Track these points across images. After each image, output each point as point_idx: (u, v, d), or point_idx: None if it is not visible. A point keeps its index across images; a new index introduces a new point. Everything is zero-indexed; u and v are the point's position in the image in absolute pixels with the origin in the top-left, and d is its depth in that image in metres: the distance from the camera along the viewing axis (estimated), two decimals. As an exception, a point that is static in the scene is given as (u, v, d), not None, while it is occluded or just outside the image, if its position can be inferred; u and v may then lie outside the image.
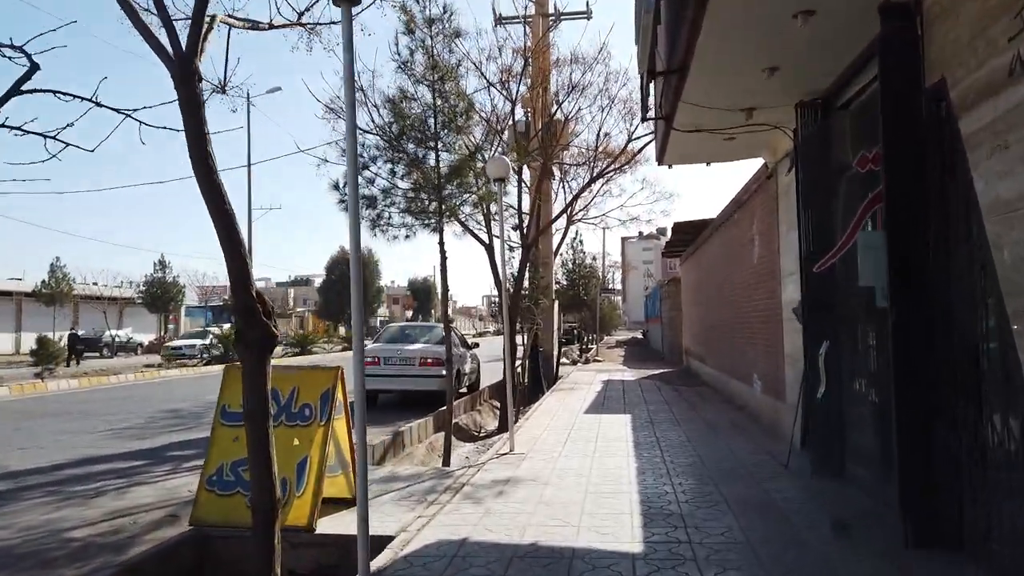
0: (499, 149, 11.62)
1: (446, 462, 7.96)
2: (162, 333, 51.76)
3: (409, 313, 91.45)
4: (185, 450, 9.33)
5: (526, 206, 14.68)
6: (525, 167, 16.91)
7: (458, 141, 8.95)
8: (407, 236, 9.28)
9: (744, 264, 10.78)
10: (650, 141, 13.76)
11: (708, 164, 9.24)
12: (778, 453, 7.54)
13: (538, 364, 17.73)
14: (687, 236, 17.00)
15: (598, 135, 14.30)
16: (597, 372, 20.43)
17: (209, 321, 62.37)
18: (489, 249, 13.55)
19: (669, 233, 18.75)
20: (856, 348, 5.85)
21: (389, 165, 8.81)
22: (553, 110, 14.14)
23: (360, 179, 8.97)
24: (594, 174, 14.69)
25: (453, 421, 12.55)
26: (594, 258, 40.93)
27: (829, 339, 5.97)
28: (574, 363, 27.97)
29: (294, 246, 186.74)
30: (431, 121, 8.66)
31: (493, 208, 12.00)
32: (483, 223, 11.58)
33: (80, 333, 43.89)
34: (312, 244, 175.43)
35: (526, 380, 17.94)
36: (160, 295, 44.96)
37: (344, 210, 8.89)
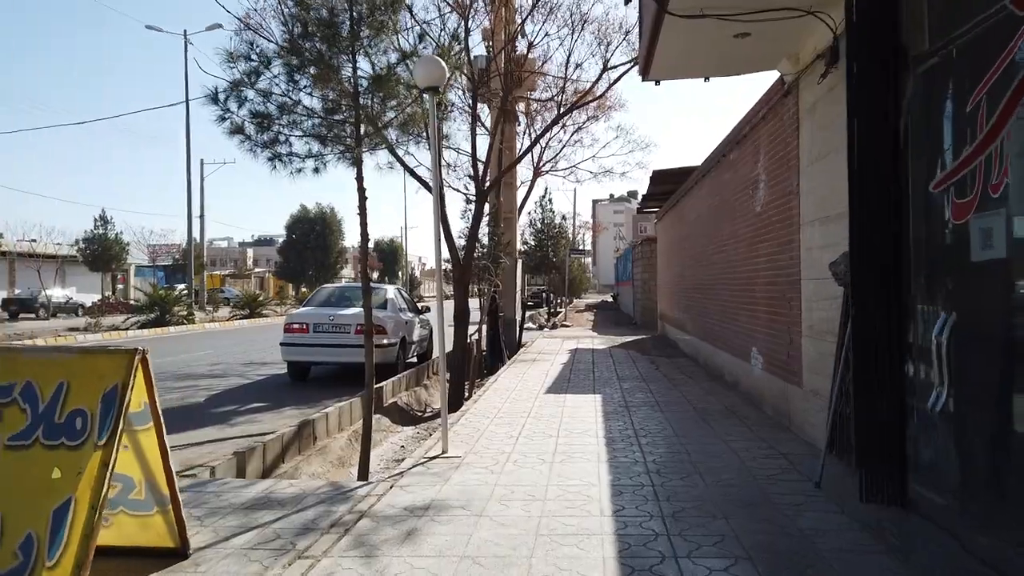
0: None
1: (362, 474, 5.93)
2: (107, 293, 48.84)
3: (376, 275, 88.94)
4: None
5: (483, 152, 12.54)
6: (482, 105, 14.76)
7: (383, 43, 6.77)
8: (316, 169, 7.12)
9: (742, 214, 8.84)
10: (627, 71, 11.66)
11: (706, 79, 7.19)
12: (796, 456, 5.67)
13: (498, 331, 15.75)
14: (666, 187, 15.02)
15: (567, 62, 12.09)
16: (565, 339, 18.54)
17: (160, 280, 59.60)
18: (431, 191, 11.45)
19: (646, 185, 16.76)
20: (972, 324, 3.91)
21: (289, 71, 6.60)
22: (515, 28, 11.90)
23: (251, 92, 6.78)
24: (562, 110, 12.52)
25: (392, 400, 10.59)
26: (564, 217, 38.94)
27: (945, 311, 3.97)
28: (541, 328, 26.11)
29: (259, 204, 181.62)
30: (346, 15, 6.50)
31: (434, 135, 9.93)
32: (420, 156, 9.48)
33: (16, 293, 41.06)
34: (279, 203, 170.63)
35: (483, 349, 16.02)
36: (101, 253, 41.90)
37: (229, 132, 6.70)
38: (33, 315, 37.50)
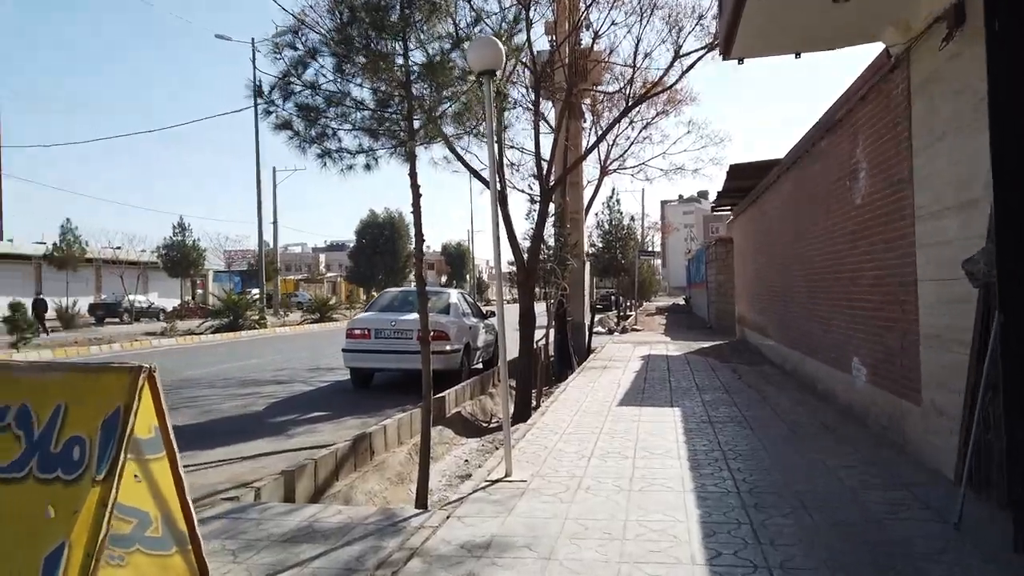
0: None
1: (419, 500, 5.36)
2: (187, 298, 50.47)
3: (444, 279, 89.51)
4: None
5: (547, 151, 11.93)
6: (546, 102, 14.16)
7: (436, 26, 6.24)
8: (367, 166, 6.66)
9: (836, 208, 7.93)
10: (702, 56, 10.86)
11: (797, 55, 6.38)
12: (918, 487, 4.83)
13: (566, 336, 15.09)
14: (744, 183, 14.06)
15: (635, 51, 11.32)
16: (636, 344, 17.72)
17: (236, 285, 61.33)
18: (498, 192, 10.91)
19: (720, 183, 15.81)
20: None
21: (337, 61, 6.15)
22: (579, 16, 11.23)
23: (298, 84, 6.36)
24: (630, 102, 11.76)
25: (456, 410, 10.07)
26: (632, 218, 37.87)
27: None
28: (610, 332, 25.29)
29: (331, 210, 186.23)
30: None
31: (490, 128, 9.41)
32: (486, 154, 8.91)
33: (103, 299, 42.77)
34: (350, 208, 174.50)
35: (551, 355, 15.39)
36: (180, 259, 43.21)
37: (275, 127, 6.30)
38: (117, 319, 38.98)
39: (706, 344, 17.18)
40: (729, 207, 18.59)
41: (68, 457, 2.78)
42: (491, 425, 10.43)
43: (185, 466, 6.81)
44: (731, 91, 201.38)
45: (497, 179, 6.08)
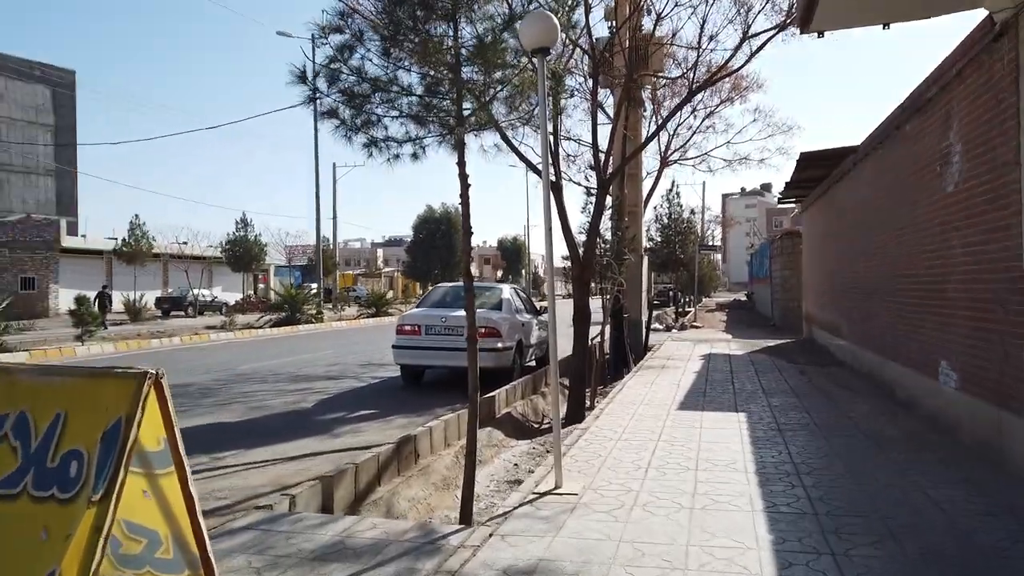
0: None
1: (464, 516, 4.99)
2: (249, 292, 51.62)
3: (499, 274, 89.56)
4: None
5: (604, 141, 11.43)
6: (604, 92, 13.66)
7: (487, 5, 5.86)
8: (414, 155, 6.34)
9: (924, 196, 7.24)
10: (774, 35, 10.17)
11: (886, 26, 5.75)
12: (1029, 515, 4.22)
13: (622, 333, 14.57)
14: (815, 172, 13.26)
15: (700, 33, 10.69)
16: (696, 342, 17.05)
17: (297, 280, 62.51)
18: (552, 184, 10.47)
19: (788, 173, 15.00)
20: None
21: (382, 43, 5.83)
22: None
23: (344, 69, 6.06)
24: (693, 87, 11.14)
25: (506, 410, 9.71)
26: (692, 212, 36.87)
27: None
28: (668, 329, 24.57)
29: (390, 206, 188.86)
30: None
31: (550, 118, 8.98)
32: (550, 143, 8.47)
33: (169, 292, 44.07)
34: (407, 203, 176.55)
35: (607, 353, 14.90)
36: (242, 254, 44.17)
37: (321, 116, 6.02)
38: (182, 312, 40.08)
39: (771, 343, 16.41)
40: (797, 199, 17.70)
41: (65, 473, 2.49)
42: (543, 426, 10.04)
43: (229, 466, 6.66)
44: (798, 79, 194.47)
45: (551, 166, 5.65)
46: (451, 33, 5.86)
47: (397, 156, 6.35)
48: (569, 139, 15.92)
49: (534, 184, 18.50)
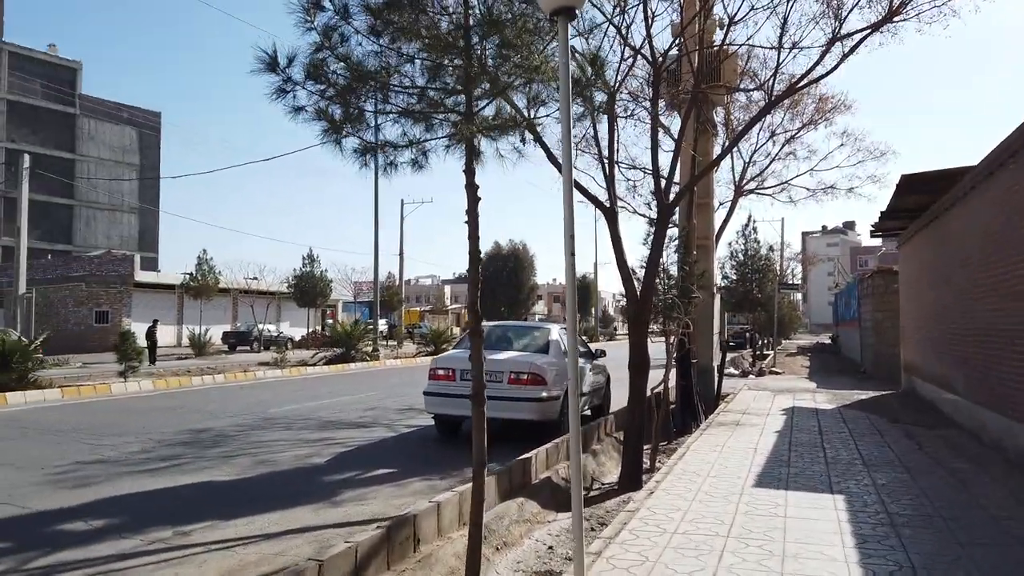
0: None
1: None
2: (316, 328, 51.70)
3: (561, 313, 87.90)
4: (96, 518, 5.83)
5: (668, 166, 9.99)
6: (663, 102, 12.23)
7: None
8: (415, 162, 5.09)
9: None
10: (869, 34, 8.55)
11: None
12: None
13: (690, 381, 12.87)
14: (919, 198, 11.41)
15: (780, 36, 9.12)
16: (776, 392, 15.11)
17: (364, 316, 62.59)
18: (606, 210, 9.06)
19: (884, 202, 13.15)
20: None
21: (370, 17, 4.62)
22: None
23: (330, 57, 4.89)
24: (771, 97, 9.55)
25: (546, 474, 8.22)
26: (771, 248, 34.64)
27: None
28: (744, 375, 22.51)
29: (460, 243, 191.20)
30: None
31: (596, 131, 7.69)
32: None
33: (237, 327, 44.41)
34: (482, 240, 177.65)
35: (673, 403, 13.19)
36: (308, 289, 44.18)
37: (293, 112, 4.83)
38: (248, 348, 40.12)
39: (863, 395, 14.34)
40: (893, 232, 15.69)
41: None
42: (592, 491, 8.48)
43: (189, 547, 5.32)
44: (892, 101, 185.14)
45: (572, 159, 4.27)
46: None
47: (393, 164, 5.11)
48: (633, 167, 14.48)
49: (599, 217, 17.22)
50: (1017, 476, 6.77)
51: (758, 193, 18.87)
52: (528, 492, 7.34)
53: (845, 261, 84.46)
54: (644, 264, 11.54)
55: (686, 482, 6.56)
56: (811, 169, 18.49)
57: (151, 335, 26.91)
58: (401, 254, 54.88)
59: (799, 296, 70.76)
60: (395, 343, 43.91)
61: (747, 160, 17.76)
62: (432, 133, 4.99)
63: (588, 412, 12.28)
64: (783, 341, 46.02)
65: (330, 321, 58.13)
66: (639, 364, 8.97)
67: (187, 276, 38.54)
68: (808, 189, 18.97)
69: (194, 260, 40.76)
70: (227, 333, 42.19)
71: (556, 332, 11.25)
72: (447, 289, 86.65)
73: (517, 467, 7.33)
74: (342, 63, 4.80)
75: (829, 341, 42.34)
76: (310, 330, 48.47)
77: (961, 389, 9.95)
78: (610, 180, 9.40)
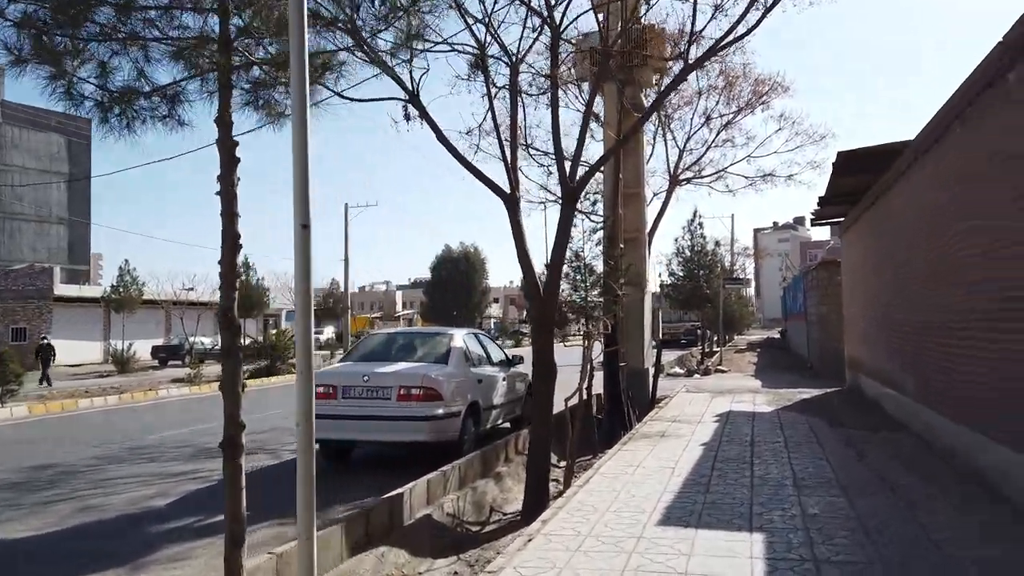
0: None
1: None
2: (259, 339, 49.54)
3: (523, 314, 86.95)
4: None
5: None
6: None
7: None
8: (167, 116, 3.76)
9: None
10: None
11: None
12: None
13: (618, 386, 11.68)
14: (860, 179, 10.40)
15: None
16: (715, 394, 14.02)
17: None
18: (506, 196, 7.76)
19: (823, 187, 12.16)
20: None
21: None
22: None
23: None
24: (688, 55, 8.32)
25: (426, 510, 6.87)
26: (718, 243, 33.89)
27: None
28: (689, 375, 21.50)
29: (416, 249, 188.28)
30: None
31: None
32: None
33: (170, 341, 42.08)
34: (432, 245, 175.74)
35: (599, 414, 11.99)
36: (244, 300, 42.08)
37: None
38: (180, 362, 37.95)
39: (806, 394, 13.34)
40: (835, 219, 14.77)
41: None
42: (487, 525, 7.17)
43: None
44: (831, 83, 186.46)
45: (307, 109, 2.95)
46: None
47: (139, 118, 3.75)
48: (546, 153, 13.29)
49: (549, 207, 15.81)
50: (980, 498, 5.67)
51: (695, 183, 17.87)
52: (397, 537, 5.99)
53: (796, 256, 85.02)
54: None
55: (578, 520, 5.29)
56: (748, 156, 17.55)
57: (41, 353, 24.93)
58: (346, 259, 52.91)
59: (752, 291, 70.78)
60: (328, 353, 42.08)
61: (682, 147, 16.73)
62: (186, 69, 3.65)
63: (507, 425, 11.03)
64: (735, 337, 45.43)
65: (274, 331, 55.98)
66: (544, 371, 7.73)
67: (107, 289, 36.24)
68: (746, 177, 18.04)
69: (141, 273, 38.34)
70: (156, 347, 39.99)
71: (461, 338, 9.91)
72: (399, 295, 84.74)
73: (381, 508, 5.98)
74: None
75: (779, 335, 41.92)
76: (249, 341, 46.36)
77: (912, 391, 8.92)
78: (512, 162, 8.13)
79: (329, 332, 57.39)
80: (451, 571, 5.88)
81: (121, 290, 35.30)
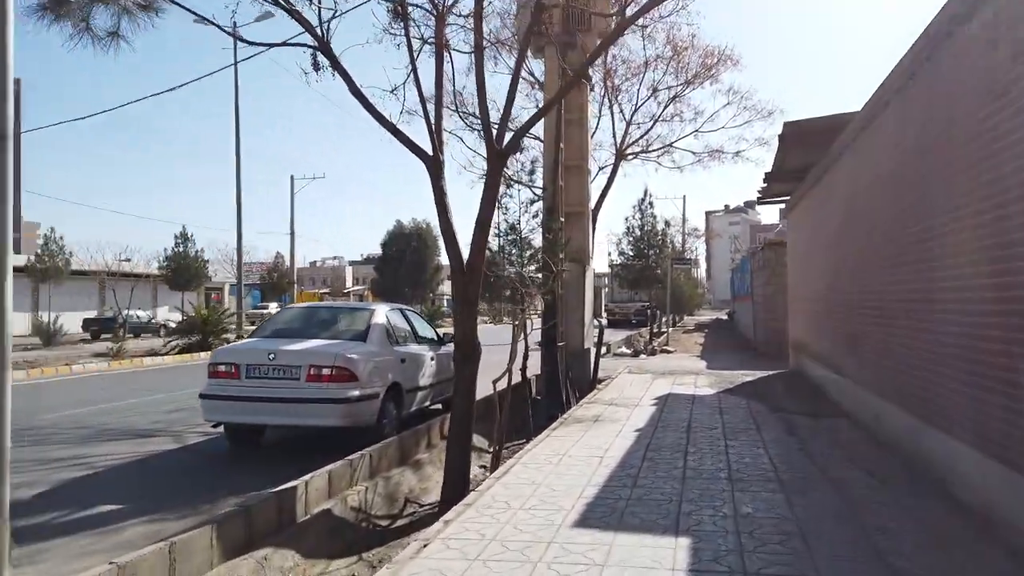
0: None
1: None
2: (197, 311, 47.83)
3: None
4: None
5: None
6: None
7: None
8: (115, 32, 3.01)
9: (985, 165, 3.86)
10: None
11: None
12: None
13: (556, 367, 11.14)
14: (808, 155, 9.95)
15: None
16: (658, 375, 13.60)
17: (255, 299, 58.64)
18: (428, 158, 7.03)
19: (774, 145, 11.68)
20: None
21: None
22: None
23: None
24: (624, 15, 7.64)
25: (324, 507, 6.18)
26: (667, 223, 33.61)
27: None
28: (636, 355, 21.17)
29: (371, 224, 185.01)
30: None
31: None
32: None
33: (105, 312, 40.18)
34: (384, 219, 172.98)
35: (537, 395, 11.46)
36: (182, 271, 40.32)
37: None
38: (111, 335, 36.28)
39: (749, 376, 13.00)
40: (781, 197, 14.40)
41: None
42: (395, 525, 6.52)
43: None
44: (780, 55, 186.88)
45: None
46: None
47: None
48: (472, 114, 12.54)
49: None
50: (927, 494, 5.24)
51: (642, 158, 17.35)
52: (287, 538, 5.30)
53: (746, 239, 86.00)
54: (499, 231, 9.72)
55: (487, 520, 4.68)
56: (696, 131, 17.08)
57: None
58: (292, 232, 51.35)
59: (702, 273, 71.35)
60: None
61: (628, 120, 16.14)
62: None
63: (438, 407, 10.38)
64: (685, 318, 45.56)
65: (215, 304, 54.12)
66: (466, 351, 7.07)
67: (31, 258, 34.29)
68: (694, 153, 17.60)
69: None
70: (88, 320, 38.24)
71: (383, 314, 9.18)
72: (349, 271, 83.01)
73: (266, 505, 5.26)
74: None
75: (726, 316, 42.16)
76: (187, 315, 44.64)
77: (854, 375, 8.54)
78: (437, 122, 7.38)
79: (273, 308, 55.77)
80: (350, 572, 5.26)
81: (47, 259, 33.31)
